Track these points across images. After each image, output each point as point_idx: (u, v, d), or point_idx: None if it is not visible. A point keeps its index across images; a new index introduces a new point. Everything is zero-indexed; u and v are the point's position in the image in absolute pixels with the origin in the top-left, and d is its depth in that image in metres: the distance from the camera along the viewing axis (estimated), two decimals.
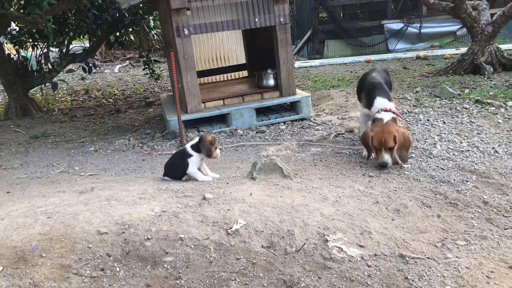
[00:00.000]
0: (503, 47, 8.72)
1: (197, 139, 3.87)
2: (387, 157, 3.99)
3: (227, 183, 3.61)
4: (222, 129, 6.01)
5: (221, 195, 3.26)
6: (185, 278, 2.31)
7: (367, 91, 4.55)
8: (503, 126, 5.16)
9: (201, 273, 2.36)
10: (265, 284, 2.32)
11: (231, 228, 2.75)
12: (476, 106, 6.02)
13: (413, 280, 2.44)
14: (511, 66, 8.01)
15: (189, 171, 3.83)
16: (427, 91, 7.14)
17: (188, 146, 3.88)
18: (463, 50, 9.04)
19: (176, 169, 3.91)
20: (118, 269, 2.36)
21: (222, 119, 6.20)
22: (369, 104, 4.43)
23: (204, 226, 2.76)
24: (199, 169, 3.90)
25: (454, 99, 6.46)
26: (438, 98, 6.61)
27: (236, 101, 6.30)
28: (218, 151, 3.87)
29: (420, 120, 5.61)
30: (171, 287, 2.24)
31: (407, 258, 2.63)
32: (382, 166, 4.03)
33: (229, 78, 8.33)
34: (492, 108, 5.85)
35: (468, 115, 5.65)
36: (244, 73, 8.23)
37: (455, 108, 5.99)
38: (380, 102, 4.30)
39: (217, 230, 2.73)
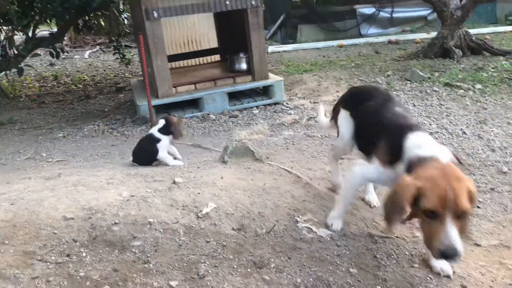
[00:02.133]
0: (471, 31, 8.85)
1: (162, 122, 3.81)
2: (455, 235, 1.96)
3: (198, 167, 3.57)
4: (194, 114, 5.94)
5: (191, 179, 3.22)
6: (154, 262, 2.28)
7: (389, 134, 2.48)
8: (471, 108, 5.26)
9: (170, 257, 2.33)
10: (235, 266, 2.30)
11: (201, 211, 2.72)
12: (445, 89, 6.11)
13: (381, 259, 2.47)
14: (480, 50, 8.16)
15: (159, 156, 3.77)
16: (398, 75, 7.21)
17: (154, 131, 3.81)
18: (434, 34, 9.14)
19: (144, 155, 3.84)
20: (84, 254, 2.31)
21: (194, 104, 6.12)
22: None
23: (173, 210, 2.72)
24: (168, 153, 3.85)
25: (424, 82, 6.54)
26: (408, 82, 6.68)
27: (208, 85, 6.23)
28: (184, 131, 3.86)
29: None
30: (139, 271, 2.20)
31: (376, 238, 2.66)
32: (447, 257, 2.00)
33: (201, 62, 8.23)
34: (461, 91, 5.95)
35: (437, 98, 5.73)
36: (217, 57, 8.15)
37: (425, 91, 6.07)
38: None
39: (187, 214, 2.70)
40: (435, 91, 6.01)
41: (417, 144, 2.26)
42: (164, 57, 5.84)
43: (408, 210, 2.09)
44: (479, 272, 2.41)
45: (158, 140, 3.76)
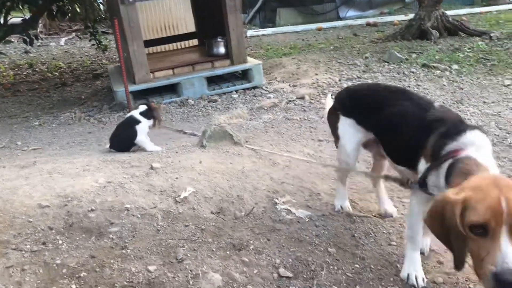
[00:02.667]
0: (448, 12, 8.91)
1: (144, 107, 3.77)
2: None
3: (176, 152, 3.54)
4: (173, 99, 5.88)
5: (169, 164, 3.19)
6: (131, 247, 2.26)
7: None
8: (447, 88, 5.31)
9: (148, 242, 2.31)
10: (213, 249, 2.30)
11: (179, 196, 2.71)
12: (422, 70, 6.15)
13: (359, 238, 2.49)
14: (456, 31, 8.22)
15: (137, 139, 3.72)
16: (376, 57, 7.23)
17: (135, 114, 3.76)
18: (412, 16, 9.17)
19: (122, 140, 3.79)
20: (60, 242, 2.28)
21: (172, 89, 6.05)
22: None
23: (151, 195, 2.70)
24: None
25: (402, 63, 6.58)
26: (386, 63, 6.71)
27: (186, 70, 6.16)
28: (162, 118, 3.85)
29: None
30: (117, 257, 2.19)
31: (354, 217, 2.68)
32: (504, 282, 1.47)
33: (179, 47, 8.11)
34: (438, 71, 6.00)
35: (415, 79, 5.77)
36: (194, 41, 8.05)
37: (403, 73, 6.10)
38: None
39: (165, 199, 2.68)
40: (413, 72, 6.05)
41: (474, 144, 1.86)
42: (140, 42, 5.74)
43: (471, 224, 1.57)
44: None
45: (138, 122, 3.72)
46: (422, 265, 2.19)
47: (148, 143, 3.77)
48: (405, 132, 2.17)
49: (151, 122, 3.79)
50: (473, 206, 1.56)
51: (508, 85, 5.25)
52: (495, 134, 3.93)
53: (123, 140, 3.79)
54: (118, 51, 5.71)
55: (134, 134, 3.71)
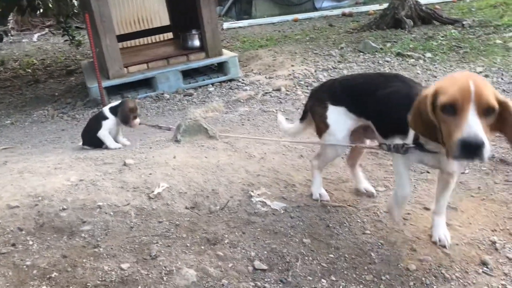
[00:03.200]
0: (422, 1, 8.98)
1: (118, 102, 3.70)
2: (479, 127, 1.69)
3: (150, 148, 3.51)
4: (148, 94, 5.81)
5: (143, 160, 3.15)
6: (104, 245, 2.23)
7: None
8: (421, 76, 5.37)
9: (121, 239, 2.28)
10: (188, 244, 2.28)
11: (153, 192, 2.68)
12: (397, 59, 6.21)
13: (334, 228, 2.50)
14: (430, 19, 8.31)
15: (100, 133, 3.64)
16: (351, 47, 7.26)
17: (106, 108, 3.70)
18: (386, 6, 9.22)
19: (93, 136, 3.72)
20: (31, 242, 2.23)
21: (147, 83, 5.98)
22: None
23: (124, 192, 2.67)
24: (115, 137, 3.74)
25: (376, 53, 6.62)
26: (361, 53, 6.74)
27: (161, 64, 6.09)
28: (137, 120, 3.71)
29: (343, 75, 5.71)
30: (89, 255, 2.15)
31: (329, 207, 2.69)
32: (469, 147, 1.68)
33: (153, 41, 8.02)
34: (412, 60, 6.06)
35: (389, 68, 5.82)
36: (169, 35, 7.97)
37: (378, 62, 6.14)
38: None
39: (138, 195, 2.65)
40: (387, 61, 6.09)
41: None
42: (113, 37, 5.65)
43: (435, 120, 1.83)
44: (427, 234, 2.48)
45: (105, 118, 3.65)
46: (395, 252, 2.22)
47: (109, 139, 3.68)
48: (398, 106, 2.22)
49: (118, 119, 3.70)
50: (443, 91, 1.79)
51: (480, 72, 5.33)
52: None
53: (93, 136, 3.71)
54: (90, 46, 5.62)
55: (99, 128, 3.64)
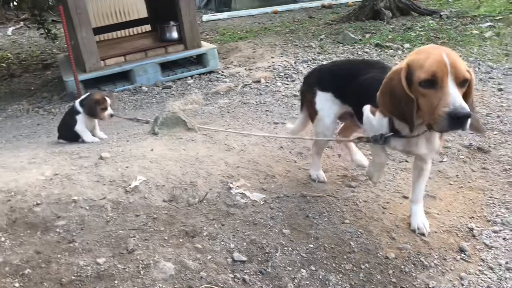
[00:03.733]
0: None
1: (86, 94, 3.63)
2: (461, 98, 1.76)
3: (127, 141, 3.45)
4: (126, 87, 5.72)
5: (119, 153, 3.10)
6: (79, 240, 2.18)
7: None
8: None
9: (97, 234, 2.23)
10: (166, 237, 2.25)
11: (129, 185, 2.63)
12: (376, 49, 6.22)
13: (313, 218, 2.49)
14: (408, 10, 8.36)
15: (76, 128, 3.57)
16: (331, 38, 7.26)
17: (76, 102, 3.62)
18: None
19: (68, 130, 3.64)
20: (3, 239, 2.17)
21: (125, 76, 5.88)
22: None
23: (100, 186, 2.61)
24: (92, 131, 3.67)
25: (356, 44, 6.63)
26: (341, 44, 6.74)
27: (138, 56, 5.99)
28: (107, 113, 3.61)
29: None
30: (64, 251, 2.10)
31: (308, 197, 2.68)
32: (458, 119, 1.73)
33: (131, 33, 7.89)
34: (391, 50, 6.09)
35: (368, 59, 5.82)
36: (147, 27, 7.85)
37: (357, 53, 6.15)
38: None
39: (115, 189, 2.60)
40: (366, 52, 6.10)
41: None
42: (89, 29, 5.53)
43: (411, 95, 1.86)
44: (406, 223, 2.49)
45: (78, 112, 3.58)
46: (374, 241, 2.23)
47: (86, 134, 3.61)
48: (374, 93, 2.17)
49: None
50: (420, 65, 1.81)
51: None
52: None
53: (68, 130, 3.63)
54: (66, 40, 5.49)
55: (74, 123, 3.57)
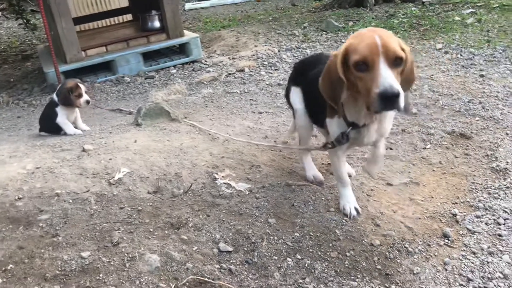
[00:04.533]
0: None
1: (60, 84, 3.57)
2: (392, 78, 1.80)
3: (110, 132, 3.41)
4: (108, 77, 5.64)
5: (102, 145, 3.06)
6: (63, 234, 2.15)
7: None
8: None
9: (81, 227, 2.21)
10: (151, 229, 2.23)
11: (113, 177, 2.60)
12: None
13: (299, 207, 2.50)
14: None
15: (58, 120, 3.52)
16: (314, 26, 7.24)
17: (54, 94, 3.56)
18: None
19: (49, 122, 3.58)
20: None
21: (107, 67, 5.80)
22: None
23: (83, 179, 2.58)
24: (75, 123, 3.62)
25: (339, 32, 6.62)
26: (324, 32, 6.73)
27: (120, 46, 5.91)
28: (83, 99, 3.54)
29: (307, 55, 5.68)
30: (48, 245, 2.08)
31: (293, 186, 2.68)
32: (387, 99, 1.78)
33: (112, 23, 7.77)
34: None
35: None
36: (128, 16, 7.73)
37: (340, 41, 6.15)
38: None
39: (98, 182, 2.57)
40: None
41: None
42: (69, 19, 5.43)
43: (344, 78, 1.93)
44: (391, 209, 2.51)
45: (57, 104, 3.52)
46: (359, 228, 2.25)
47: (68, 126, 3.56)
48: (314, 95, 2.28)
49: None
50: (354, 49, 1.87)
51: (440, 48, 5.41)
52: (428, 97, 4.05)
53: (49, 122, 3.58)
54: (45, 30, 5.38)
55: (55, 115, 3.51)
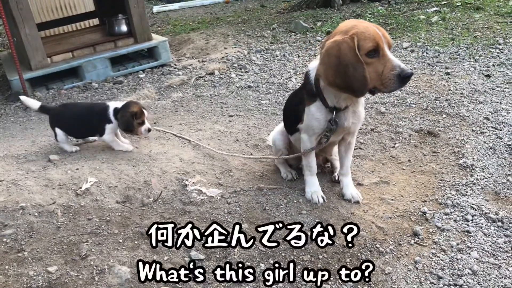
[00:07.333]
0: None
1: (122, 103, 3.11)
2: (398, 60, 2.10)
3: (77, 141, 3.32)
4: (75, 84, 5.51)
5: (69, 154, 2.99)
6: (29, 249, 2.09)
7: None
8: None
9: (48, 241, 2.15)
10: (120, 240, 2.19)
11: (80, 188, 2.54)
12: None
13: (271, 210, 2.49)
14: None
15: (105, 138, 3.11)
16: (283, 27, 7.26)
17: (111, 108, 3.08)
18: None
19: (86, 127, 3.17)
20: None
21: (73, 73, 5.67)
22: None
23: (49, 190, 2.51)
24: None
25: (307, 32, 6.66)
26: (293, 33, 6.76)
27: (87, 52, 5.79)
28: (144, 127, 3.07)
29: (277, 56, 5.69)
30: (12, 261, 2.01)
31: (265, 190, 2.68)
32: (407, 76, 2.06)
33: (78, 28, 7.61)
34: None
35: (321, 47, 5.86)
36: (95, 21, 7.58)
37: (309, 42, 6.18)
38: None
39: (65, 193, 2.50)
40: (318, 41, 6.14)
41: None
42: (32, 25, 5.28)
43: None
44: (362, 210, 2.53)
45: (109, 122, 3.12)
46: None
47: (115, 143, 3.18)
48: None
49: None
50: (364, 37, 2.05)
51: (406, 47, 5.50)
52: (395, 96, 4.10)
53: (87, 127, 3.18)
54: (7, 37, 5.23)
55: (101, 130, 3.12)
